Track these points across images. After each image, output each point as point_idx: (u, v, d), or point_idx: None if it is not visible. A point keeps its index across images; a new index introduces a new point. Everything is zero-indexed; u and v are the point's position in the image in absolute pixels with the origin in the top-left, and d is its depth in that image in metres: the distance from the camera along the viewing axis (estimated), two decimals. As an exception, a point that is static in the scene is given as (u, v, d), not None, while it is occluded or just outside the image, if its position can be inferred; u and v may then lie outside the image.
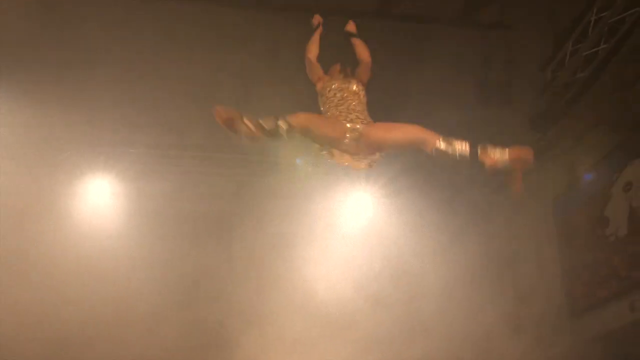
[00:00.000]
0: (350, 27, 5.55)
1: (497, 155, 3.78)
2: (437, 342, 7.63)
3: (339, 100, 4.53)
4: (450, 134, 8.17)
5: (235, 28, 7.90)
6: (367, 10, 8.65)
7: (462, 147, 3.87)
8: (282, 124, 3.93)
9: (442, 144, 3.92)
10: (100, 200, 7.67)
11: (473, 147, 3.84)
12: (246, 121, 3.90)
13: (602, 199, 7.59)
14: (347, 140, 4.18)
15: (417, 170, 7.99)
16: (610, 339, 7.46)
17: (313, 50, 5.21)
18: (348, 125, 4.23)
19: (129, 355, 7.39)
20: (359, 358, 7.75)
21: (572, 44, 6.82)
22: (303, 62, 5.20)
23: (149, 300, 7.70)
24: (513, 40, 8.45)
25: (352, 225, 8.37)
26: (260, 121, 3.92)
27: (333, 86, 4.69)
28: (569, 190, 8.05)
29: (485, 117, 8.16)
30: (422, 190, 8.14)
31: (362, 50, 5.19)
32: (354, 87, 4.66)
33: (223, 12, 8.21)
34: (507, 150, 3.80)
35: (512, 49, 8.42)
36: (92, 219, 7.59)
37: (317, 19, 5.57)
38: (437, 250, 8.17)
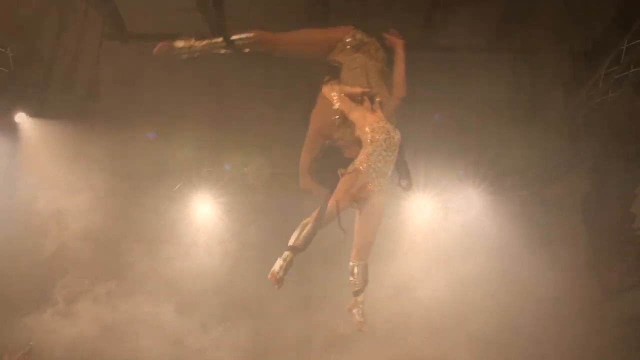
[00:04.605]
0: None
1: None
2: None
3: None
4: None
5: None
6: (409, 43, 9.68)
7: None
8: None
9: None
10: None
11: None
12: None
13: (628, 198, 8.64)
14: None
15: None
16: (640, 320, 8.49)
17: None
18: None
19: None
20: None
21: (605, 69, 7.86)
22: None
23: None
24: (536, 63, 9.54)
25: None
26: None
27: None
28: (596, 190, 9.09)
29: (517, 132, 9.20)
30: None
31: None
32: None
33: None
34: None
35: (536, 72, 9.50)
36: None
37: None
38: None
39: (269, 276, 4.74)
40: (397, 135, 5.29)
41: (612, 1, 7.86)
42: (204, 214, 8.20)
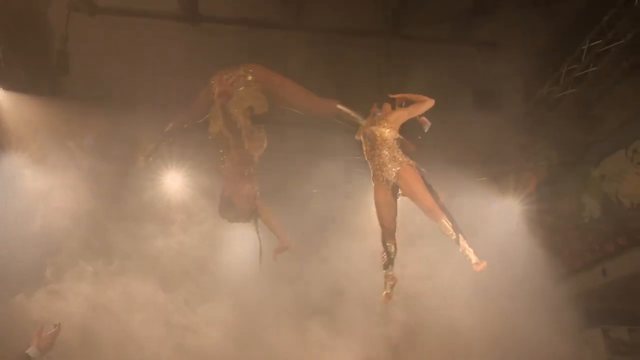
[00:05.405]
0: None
1: None
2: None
3: None
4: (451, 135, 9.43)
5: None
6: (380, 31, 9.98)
7: None
8: None
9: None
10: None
11: None
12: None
13: (579, 188, 9.31)
14: None
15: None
16: (585, 298, 9.24)
17: None
18: None
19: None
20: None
21: (566, 66, 8.38)
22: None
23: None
24: (499, 55, 9.99)
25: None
26: None
27: None
28: (550, 181, 9.72)
29: (479, 121, 9.65)
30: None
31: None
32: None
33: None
34: None
35: (499, 63, 9.95)
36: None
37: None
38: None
39: (383, 300, 5.53)
40: (377, 129, 5.77)
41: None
42: (181, 193, 8.28)
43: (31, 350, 4.40)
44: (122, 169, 7.85)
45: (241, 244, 8.07)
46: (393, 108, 5.93)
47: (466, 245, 5.32)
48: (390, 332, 8.43)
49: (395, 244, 5.64)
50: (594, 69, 8.09)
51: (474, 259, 5.31)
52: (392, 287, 5.61)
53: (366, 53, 9.90)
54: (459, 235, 5.34)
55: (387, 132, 5.78)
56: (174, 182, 8.45)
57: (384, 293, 5.54)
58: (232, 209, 6.16)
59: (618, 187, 8.69)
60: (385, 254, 5.59)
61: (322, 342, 8.06)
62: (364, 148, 5.87)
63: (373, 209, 9.36)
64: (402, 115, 6.00)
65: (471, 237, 5.62)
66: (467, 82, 9.80)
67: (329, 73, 9.03)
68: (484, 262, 5.14)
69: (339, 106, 6.01)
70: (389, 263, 5.56)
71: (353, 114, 6.26)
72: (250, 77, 6.29)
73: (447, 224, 5.49)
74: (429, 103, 5.98)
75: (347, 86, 9.23)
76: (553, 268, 9.51)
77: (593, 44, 7.94)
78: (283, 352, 8.09)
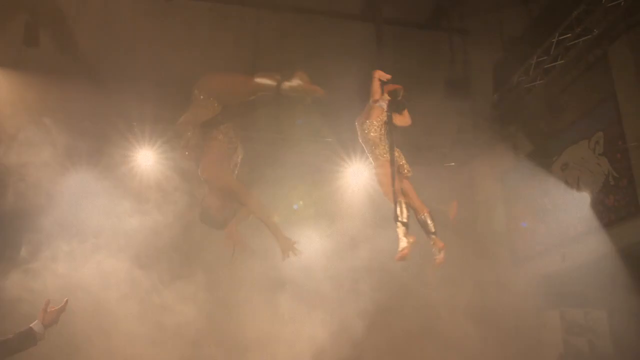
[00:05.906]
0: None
1: None
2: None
3: None
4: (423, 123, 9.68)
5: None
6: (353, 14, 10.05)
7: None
8: None
9: None
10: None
11: None
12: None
13: (542, 176, 9.65)
14: None
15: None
16: (544, 281, 9.64)
17: None
18: None
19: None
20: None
21: (536, 58, 8.66)
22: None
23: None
24: (470, 43, 10.21)
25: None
26: None
27: None
28: (515, 167, 10.07)
29: (450, 107, 9.89)
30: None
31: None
32: None
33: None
34: None
35: (471, 51, 10.17)
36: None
37: None
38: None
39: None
40: (360, 126, 6.00)
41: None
42: (154, 171, 8.31)
43: (35, 325, 4.49)
44: (97, 146, 7.83)
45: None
46: (382, 90, 6.08)
47: (401, 234, 5.51)
48: (366, 307, 8.68)
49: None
50: (562, 61, 8.38)
51: (400, 246, 5.51)
52: (440, 251, 5.72)
53: (338, 35, 9.96)
54: (397, 222, 5.53)
55: (370, 128, 5.98)
56: (148, 160, 8.48)
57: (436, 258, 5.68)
58: (210, 218, 6.31)
59: (580, 176, 9.04)
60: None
61: (296, 317, 8.28)
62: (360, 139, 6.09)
63: (342, 192, 9.67)
64: (374, 107, 6.18)
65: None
66: (438, 69, 10.00)
67: (300, 52, 9.13)
68: (405, 251, 5.32)
69: (257, 79, 6.07)
70: (429, 232, 5.66)
71: (270, 83, 6.26)
72: (201, 89, 6.42)
73: (396, 209, 5.71)
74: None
75: (317, 68, 9.35)
76: (514, 252, 9.90)
77: (562, 37, 8.21)
78: (258, 328, 8.31)
